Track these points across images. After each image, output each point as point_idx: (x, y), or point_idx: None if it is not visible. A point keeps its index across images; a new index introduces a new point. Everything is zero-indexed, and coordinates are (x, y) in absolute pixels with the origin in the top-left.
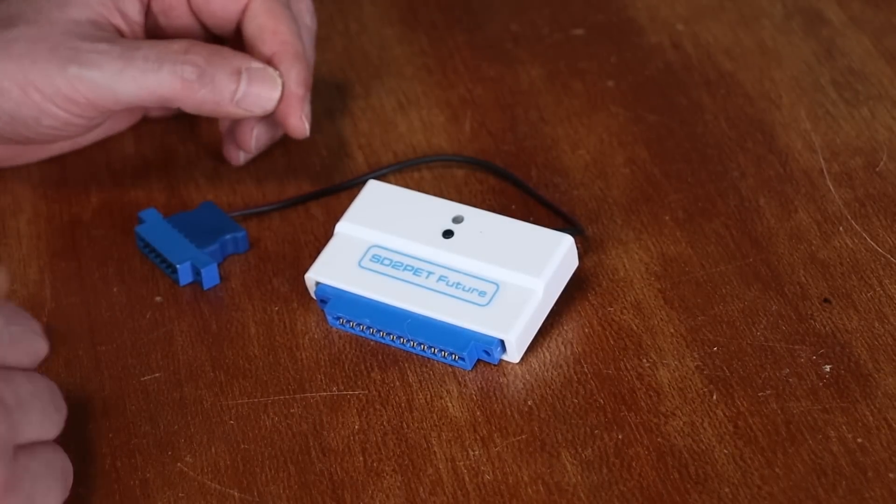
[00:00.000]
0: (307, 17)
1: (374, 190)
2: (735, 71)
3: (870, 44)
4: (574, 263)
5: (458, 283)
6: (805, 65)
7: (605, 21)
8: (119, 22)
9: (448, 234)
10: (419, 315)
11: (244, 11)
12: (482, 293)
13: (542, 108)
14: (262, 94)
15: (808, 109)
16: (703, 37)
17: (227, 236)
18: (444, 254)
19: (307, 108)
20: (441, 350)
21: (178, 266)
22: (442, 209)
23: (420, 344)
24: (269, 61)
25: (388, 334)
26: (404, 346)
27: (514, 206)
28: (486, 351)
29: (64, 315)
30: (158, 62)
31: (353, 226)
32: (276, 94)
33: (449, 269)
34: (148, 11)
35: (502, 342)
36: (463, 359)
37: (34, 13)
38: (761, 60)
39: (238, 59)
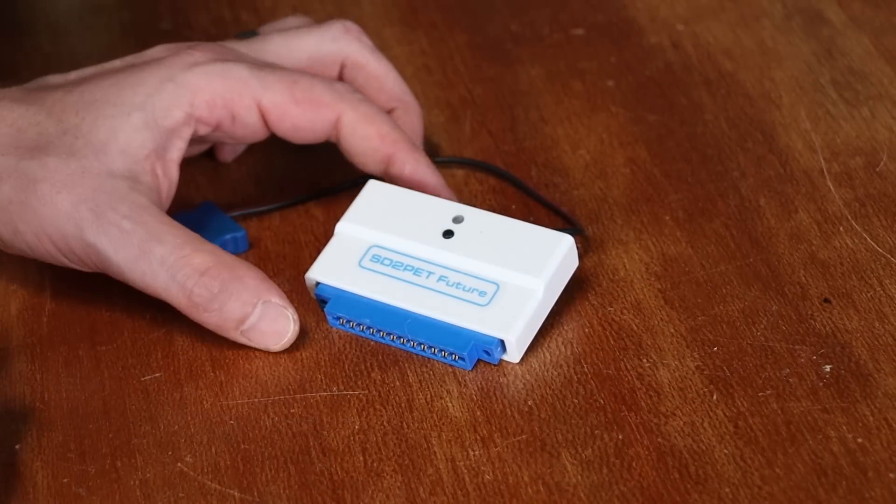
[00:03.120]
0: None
1: (375, 190)
2: (735, 71)
3: (870, 44)
4: (574, 263)
5: (459, 283)
6: (805, 65)
7: (605, 21)
8: (154, 163)
9: (448, 234)
10: (419, 315)
11: (337, 126)
12: (482, 293)
13: (542, 108)
14: (269, 332)
15: (808, 109)
16: (703, 37)
17: (227, 236)
18: (444, 254)
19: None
20: (441, 350)
21: None
22: (442, 209)
23: (420, 344)
24: (386, 167)
25: (389, 334)
26: (404, 346)
27: (514, 206)
28: (486, 351)
29: (64, 315)
30: (172, 272)
31: (354, 226)
32: (287, 335)
33: (449, 269)
34: (216, 135)
35: (502, 342)
36: (463, 359)
37: (66, 153)
38: (761, 60)
39: (258, 291)
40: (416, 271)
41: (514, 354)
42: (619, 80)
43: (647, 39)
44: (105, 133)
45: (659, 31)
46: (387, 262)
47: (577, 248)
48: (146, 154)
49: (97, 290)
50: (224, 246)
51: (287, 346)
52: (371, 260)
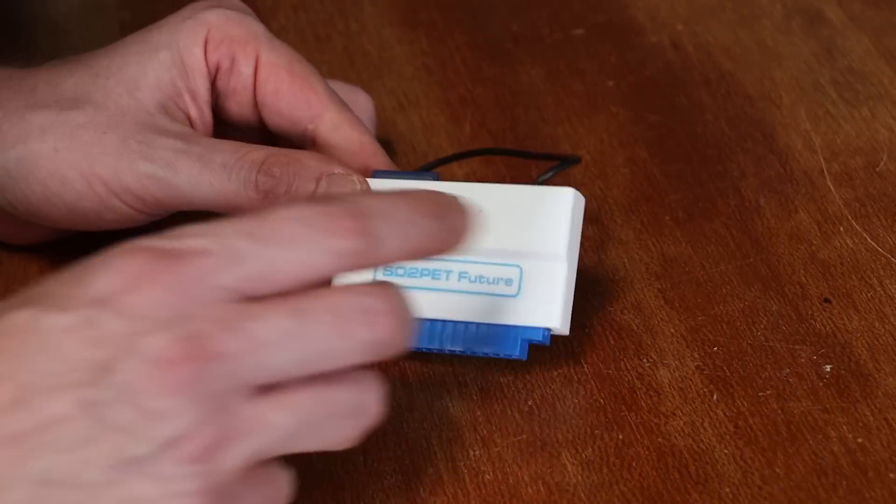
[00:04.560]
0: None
1: None
2: (735, 71)
3: (870, 44)
4: (581, 210)
5: (481, 277)
6: (805, 65)
7: (605, 21)
8: (188, 104)
9: None
10: (455, 323)
11: (317, 120)
12: (508, 281)
13: (542, 108)
14: None
15: (808, 109)
16: (703, 37)
17: None
18: None
19: None
20: (486, 354)
21: None
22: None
23: (463, 352)
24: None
25: (427, 350)
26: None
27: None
28: (533, 339)
29: None
30: (234, 172)
31: None
32: None
33: (464, 261)
34: (213, 88)
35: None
36: (515, 356)
37: (102, 96)
38: (761, 60)
39: (319, 165)
40: (434, 274)
41: (564, 330)
42: (619, 80)
43: (647, 39)
44: (135, 70)
45: (659, 31)
46: (401, 271)
47: (581, 193)
48: (179, 92)
49: None
50: None
51: None
52: (384, 274)
